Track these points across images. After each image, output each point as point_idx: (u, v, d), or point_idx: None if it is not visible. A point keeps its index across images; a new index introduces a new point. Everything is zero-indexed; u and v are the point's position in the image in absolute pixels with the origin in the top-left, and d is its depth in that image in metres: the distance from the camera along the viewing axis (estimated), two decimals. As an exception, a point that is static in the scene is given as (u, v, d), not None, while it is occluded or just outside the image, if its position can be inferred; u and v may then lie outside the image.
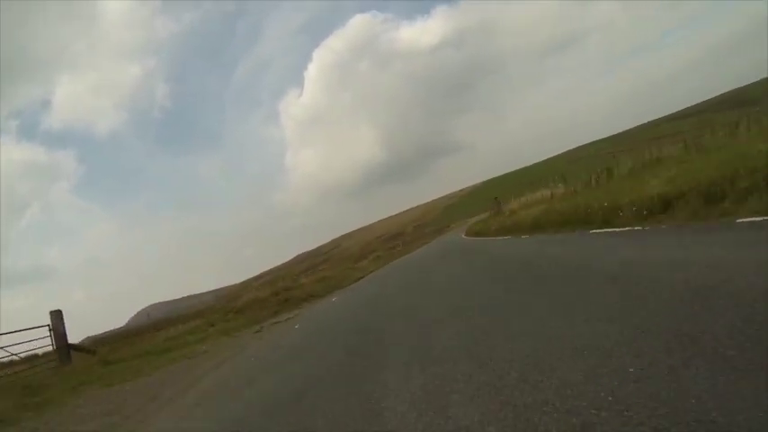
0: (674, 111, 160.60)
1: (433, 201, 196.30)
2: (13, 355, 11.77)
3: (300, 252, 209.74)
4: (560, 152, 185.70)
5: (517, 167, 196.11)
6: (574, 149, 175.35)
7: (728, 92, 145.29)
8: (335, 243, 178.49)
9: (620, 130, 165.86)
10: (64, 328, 11.98)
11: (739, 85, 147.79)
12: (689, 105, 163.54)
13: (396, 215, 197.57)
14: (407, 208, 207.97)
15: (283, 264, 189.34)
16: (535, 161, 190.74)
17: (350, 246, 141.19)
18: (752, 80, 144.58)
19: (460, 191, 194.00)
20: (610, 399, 2.14)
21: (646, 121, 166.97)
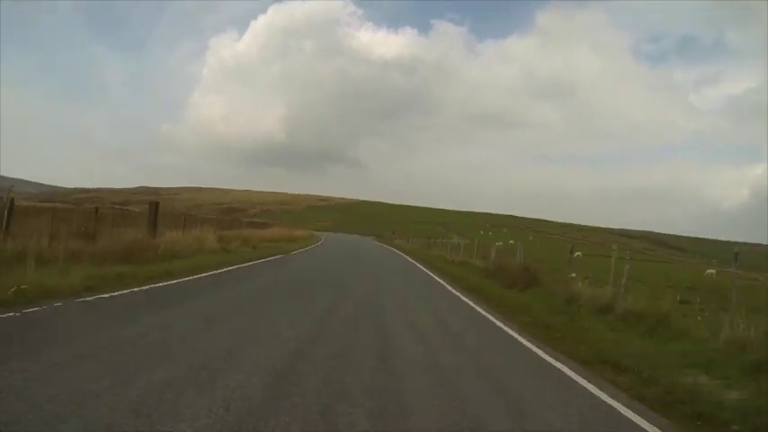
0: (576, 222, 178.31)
1: (306, 196, 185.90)
2: None
3: (147, 185, 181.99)
4: (442, 208, 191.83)
5: (395, 203, 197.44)
6: (453, 211, 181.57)
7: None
8: (178, 191, 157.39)
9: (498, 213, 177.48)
10: None
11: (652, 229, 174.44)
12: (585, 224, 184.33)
13: (264, 193, 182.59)
14: (280, 191, 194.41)
15: (122, 188, 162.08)
16: (413, 204, 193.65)
17: (185, 200, 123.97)
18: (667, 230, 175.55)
19: (340, 199, 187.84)
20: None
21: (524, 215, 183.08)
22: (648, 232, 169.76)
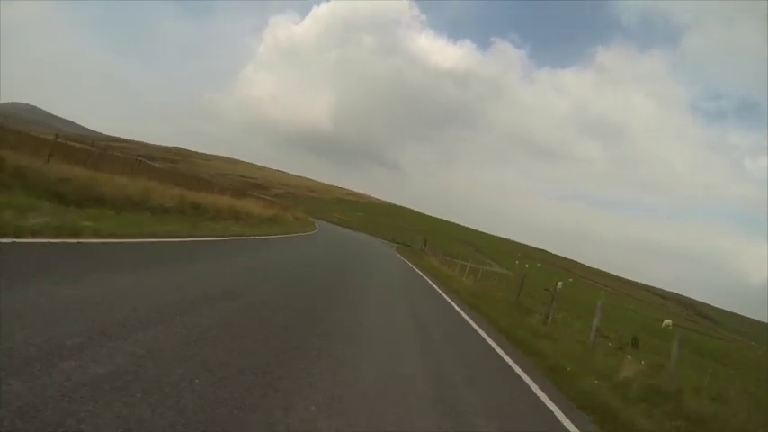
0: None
1: (335, 188, 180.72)
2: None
3: (183, 147, 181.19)
4: (473, 227, 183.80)
5: (426, 213, 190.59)
6: (474, 231, 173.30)
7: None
8: (210, 158, 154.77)
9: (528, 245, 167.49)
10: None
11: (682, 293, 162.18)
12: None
13: (294, 177, 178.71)
14: (311, 178, 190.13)
15: (157, 145, 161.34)
16: (443, 218, 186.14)
17: (213, 167, 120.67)
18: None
19: (371, 198, 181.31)
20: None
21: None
22: (678, 295, 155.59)
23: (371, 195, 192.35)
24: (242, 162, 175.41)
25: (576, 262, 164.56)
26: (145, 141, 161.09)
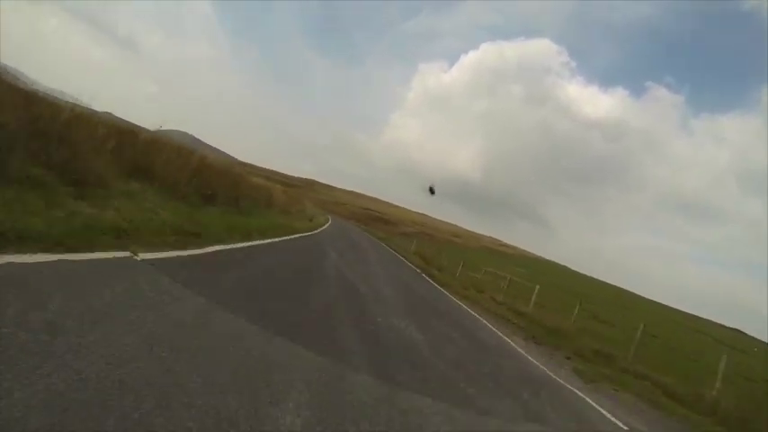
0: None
1: (482, 236, 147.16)
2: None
3: (316, 180, 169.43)
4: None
5: (585, 273, 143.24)
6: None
7: None
8: (333, 189, 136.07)
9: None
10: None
11: None
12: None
13: (436, 220, 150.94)
14: (454, 224, 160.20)
15: (284, 174, 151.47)
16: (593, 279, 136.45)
17: (330, 196, 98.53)
18: None
19: (524, 251, 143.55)
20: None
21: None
22: None
23: (521, 247, 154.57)
24: (368, 197, 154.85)
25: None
26: (274, 170, 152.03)
